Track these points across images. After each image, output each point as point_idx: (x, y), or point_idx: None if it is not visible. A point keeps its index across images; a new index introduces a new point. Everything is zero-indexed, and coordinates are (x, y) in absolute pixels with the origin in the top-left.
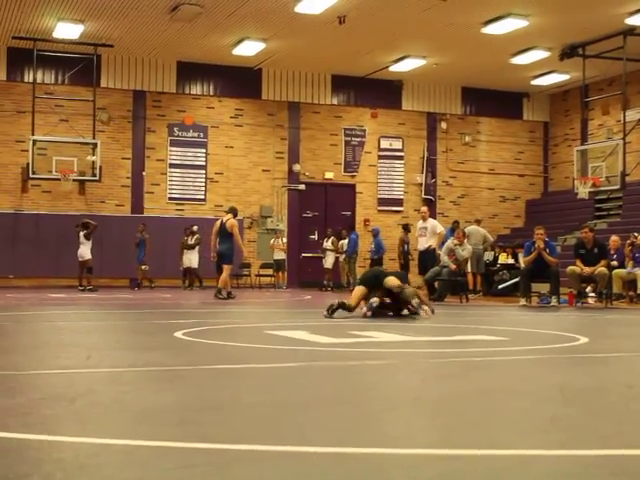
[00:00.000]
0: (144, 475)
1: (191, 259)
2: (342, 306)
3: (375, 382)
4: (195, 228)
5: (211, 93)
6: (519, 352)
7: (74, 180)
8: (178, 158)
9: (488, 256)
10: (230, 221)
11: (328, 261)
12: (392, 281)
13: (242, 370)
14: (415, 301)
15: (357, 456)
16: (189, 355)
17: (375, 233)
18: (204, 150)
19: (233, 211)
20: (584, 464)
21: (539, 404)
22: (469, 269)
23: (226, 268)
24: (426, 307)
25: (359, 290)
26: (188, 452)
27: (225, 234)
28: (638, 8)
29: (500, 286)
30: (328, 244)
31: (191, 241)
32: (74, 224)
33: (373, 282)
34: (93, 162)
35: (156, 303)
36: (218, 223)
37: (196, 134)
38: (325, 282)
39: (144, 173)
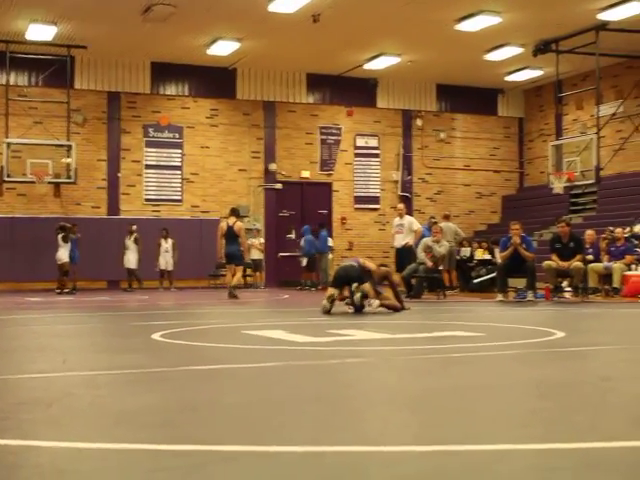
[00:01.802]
0: (123, 478)
1: (130, 259)
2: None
3: (353, 380)
4: (134, 227)
5: (186, 93)
6: (496, 347)
7: (49, 183)
8: (154, 159)
9: (465, 252)
10: (237, 224)
11: (305, 260)
12: (366, 288)
13: (220, 371)
14: (357, 297)
15: (335, 454)
16: (167, 357)
17: (304, 232)
18: (180, 151)
19: (237, 213)
20: (561, 457)
21: (516, 399)
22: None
23: (238, 269)
24: (373, 301)
25: (330, 291)
26: (167, 454)
27: (233, 236)
28: (610, 3)
29: (476, 281)
30: (303, 242)
31: (129, 240)
32: (50, 227)
33: (342, 281)
34: (68, 164)
35: (133, 305)
36: (224, 225)
37: (171, 135)
38: (302, 281)
39: (119, 175)
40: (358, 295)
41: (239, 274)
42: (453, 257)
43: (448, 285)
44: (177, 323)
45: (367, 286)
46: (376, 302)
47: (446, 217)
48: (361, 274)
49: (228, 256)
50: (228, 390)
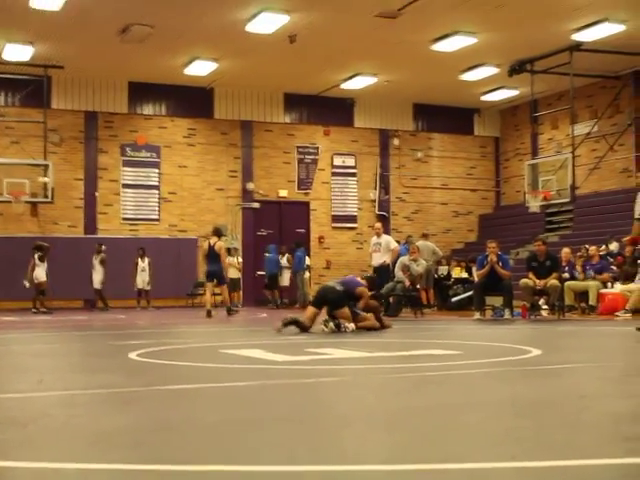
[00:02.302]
0: None
1: (95, 279)
2: (295, 322)
3: (329, 399)
4: (103, 247)
5: (163, 113)
6: (472, 366)
7: (26, 202)
8: (131, 178)
9: (442, 270)
10: (218, 244)
11: (286, 278)
12: (339, 314)
13: (196, 390)
14: (328, 327)
15: (311, 474)
16: (143, 376)
17: (269, 250)
18: (157, 170)
19: (219, 233)
20: (537, 476)
21: (492, 417)
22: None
23: (223, 289)
24: (348, 325)
25: (310, 311)
26: (142, 474)
27: (214, 255)
28: (584, 24)
29: (454, 299)
30: (283, 261)
31: (96, 260)
32: (27, 247)
33: (321, 302)
34: (45, 184)
35: (110, 324)
36: (206, 245)
37: (149, 154)
38: (273, 299)
39: (97, 194)
40: (330, 325)
41: (225, 293)
42: (431, 275)
43: (426, 303)
44: (154, 342)
45: (344, 311)
46: (351, 326)
47: (424, 236)
48: (340, 298)
49: (210, 275)
50: (204, 409)
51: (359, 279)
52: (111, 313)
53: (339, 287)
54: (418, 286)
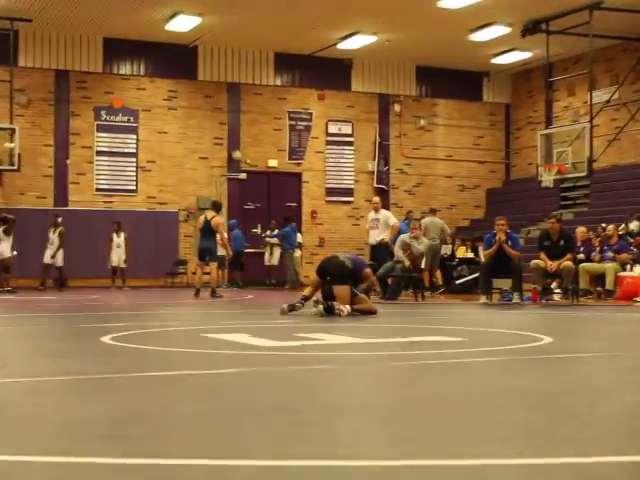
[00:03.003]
0: None
1: (47, 254)
2: (303, 301)
3: (320, 388)
4: (59, 220)
5: (142, 73)
6: (477, 354)
7: None
8: (106, 145)
9: (446, 250)
10: (215, 219)
11: (276, 256)
12: (338, 292)
13: (175, 377)
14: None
15: (299, 469)
16: (117, 362)
17: (232, 227)
18: (134, 136)
19: (217, 207)
20: (545, 473)
21: (498, 409)
22: (423, 265)
23: (213, 265)
24: (342, 307)
25: (314, 280)
26: (115, 468)
27: (209, 231)
28: None
29: (458, 282)
30: (273, 238)
31: (53, 235)
32: None
33: (325, 273)
34: (11, 150)
35: (82, 305)
36: (202, 219)
37: (125, 118)
38: (267, 281)
39: (68, 162)
40: (319, 308)
41: (214, 272)
42: (438, 255)
43: (432, 285)
44: (130, 325)
45: (344, 291)
46: (346, 309)
47: (432, 211)
48: (346, 275)
49: (201, 251)
50: (183, 398)
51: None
52: (83, 293)
53: (349, 263)
54: (423, 267)
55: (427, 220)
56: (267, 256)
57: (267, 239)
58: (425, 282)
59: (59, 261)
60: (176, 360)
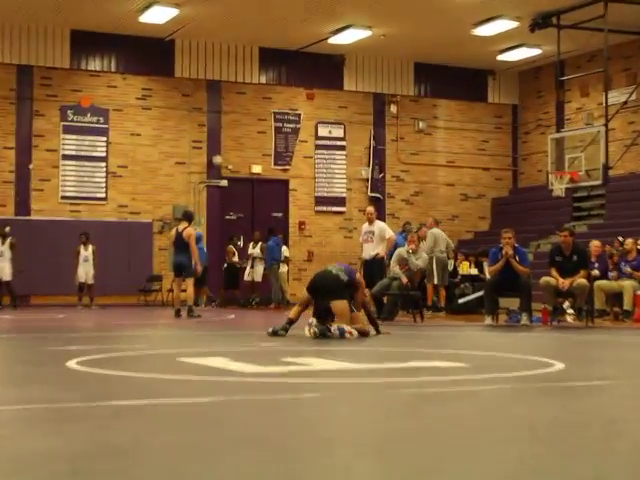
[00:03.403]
0: None
1: (3, 268)
2: (290, 324)
3: (308, 420)
4: (7, 229)
5: (113, 69)
6: (481, 381)
7: None
8: (73, 148)
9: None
10: (187, 230)
11: (259, 272)
12: (338, 308)
13: (148, 407)
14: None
15: None
16: (83, 389)
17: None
18: (104, 138)
19: (188, 217)
20: None
21: (503, 444)
22: (435, 281)
23: (189, 281)
24: (349, 329)
25: (304, 296)
26: None
27: (182, 244)
28: None
29: (461, 301)
30: (256, 250)
31: (3, 246)
32: None
33: (317, 290)
34: None
35: (46, 325)
36: (173, 232)
37: (95, 119)
38: (251, 299)
39: (31, 166)
40: (314, 328)
41: (190, 288)
42: (446, 271)
43: (432, 305)
44: (98, 348)
45: (343, 308)
46: (355, 332)
47: (436, 222)
48: (341, 288)
49: (176, 267)
50: (155, 430)
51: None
52: (47, 311)
53: (343, 275)
54: (436, 282)
55: (436, 231)
56: (248, 271)
57: (249, 252)
58: (429, 300)
59: (7, 275)
60: (148, 387)
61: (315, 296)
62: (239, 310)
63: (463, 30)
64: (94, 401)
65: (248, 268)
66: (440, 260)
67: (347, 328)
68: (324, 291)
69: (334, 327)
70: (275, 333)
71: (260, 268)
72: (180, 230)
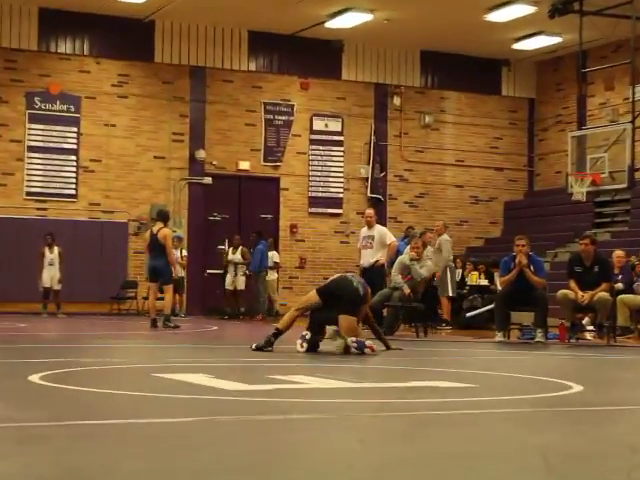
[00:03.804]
0: None
1: None
2: (276, 335)
3: (297, 444)
4: None
5: (86, 52)
6: (490, 404)
7: None
8: (40, 139)
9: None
10: (163, 231)
11: (241, 279)
12: (346, 324)
13: (118, 427)
14: (351, 340)
15: None
16: (47, 407)
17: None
18: (75, 129)
19: (163, 217)
20: None
21: (513, 475)
22: (450, 292)
23: (166, 289)
24: (370, 343)
25: (311, 297)
26: None
27: (158, 247)
28: None
29: (469, 314)
30: (237, 256)
31: None
32: None
33: (332, 296)
34: None
35: (6, 335)
36: (148, 234)
37: (64, 107)
38: (228, 309)
39: None
40: (339, 343)
41: (169, 295)
42: (454, 280)
43: (439, 319)
44: (65, 362)
45: (352, 322)
46: (375, 347)
47: (446, 227)
48: (356, 302)
49: (152, 272)
50: (127, 454)
51: None
52: (8, 320)
53: (362, 291)
54: (451, 294)
55: (445, 238)
56: (229, 279)
57: (228, 258)
58: (446, 314)
59: None
60: (119, 406)
61: (327, 302)
62: (222, 321)
63: (475, 15)
64: (58, 420)
65: (229, 276)
66: (452, 270)
67: (368, 342)
68: (339, 300)
69: (350, 340)
70: (259, 349)
71: (242, 276)
72: (155, 232)
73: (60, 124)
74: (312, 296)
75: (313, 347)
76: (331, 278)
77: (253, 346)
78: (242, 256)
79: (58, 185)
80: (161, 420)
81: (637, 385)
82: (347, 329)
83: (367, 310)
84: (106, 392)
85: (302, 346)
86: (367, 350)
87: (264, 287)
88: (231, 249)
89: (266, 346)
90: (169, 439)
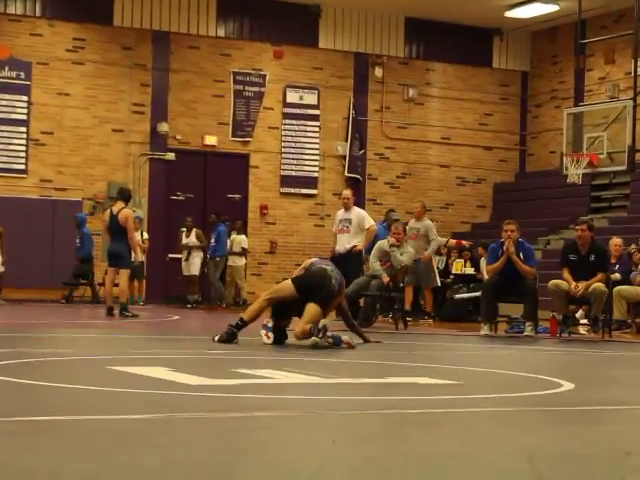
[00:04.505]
0: None
1: None
2: (239, 327)
3: (263, 444)
4: None
5: (37, 14)
6: (474, 402)
7: None
8: None
9: (438, 263)
10: (123, 212)
11: (195, 264)
12: (311, 312)
13: (69, 424)
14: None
15: None
16: None
17: (81, 223)
18: (26, 98)
19: (125, 196)
20: None
21: (498, 478)
22: (438, 282)
23: (123, 273)
24: (347, 338)
25: (286, 286)
26: None
27: (118, 229)
28: None
29: (457, 296)
30: (192, 239)
31: None
32: None
33: (307, 288)
34: None
35: None
36: (107, 215)
37: (13, 74)
38: (190, 297)
39: None
40: (314, 339)
41: (124, 282)
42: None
43: (425, 311)
44: (10, 352)
45: (315, 310)
46: (353, 343)
47: (426, 209)
48: (330, 297)
49: (112, 256)
50: (77, 453)
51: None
52: None
53: (337, 286)
54: (430, 286)
55: (427, 223)
56: (184, 264)
57: (182, 242)
58: (428, 306)
59: None
60: (70, 401)
61: (301, 295)
62: (184, 310)
63: None
64: (3, 416)
65: (183, 261)
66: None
67: (345, 338)
68: (311, 294)
69: (327, 333)
70: (222, 341)
71: (197, 260)
72: (115, 212)
73: (8, 92)
74: (286, 286)
75: (281, 336)
76: (307, 265)
77: (215, 338)
78: (197, 239)
79: (5, 159)
80: (116, 417)
81: (633, 383)
82: (310, 317)
83: (342, 302)
84: (57, 386)
85: (268, 337)
86: (344, 345)
87: (216, 273)
88: (184, 232)
89: (229, 339)
90: (123, 437)
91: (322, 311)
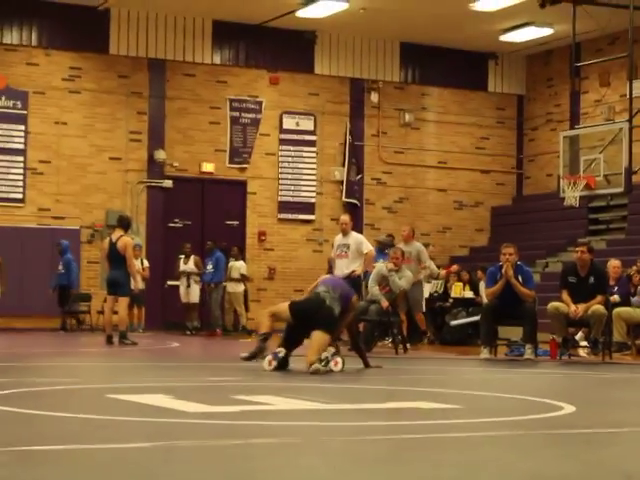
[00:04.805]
0: None
1: None
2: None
3: (262, 471)
4: None
5: (33, 43)
6: (475, 426)
7: None
8: None
9: (436, 287)
10: (123, 239)
11: (194, 291)
12: (317, 340)
13: (69, 453)
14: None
15: None
16: None
17: (64, 249)
18: (23, 127)
19: (124, 224)
20: None
21: None
22: (423, 308)
23: (122, 300)
24: (337, 359)
25: (282, 308)
26: None
27: (117, 257)
28: None
29: (453, 322)
30: (190, 265)
31: None
32: None
33: (305, 316)
34: None
35: None
36: (106, 243)
37: (10, 103)
38: (189, 324)
39: None
40: (318, 366)
41: (123, 309)
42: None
43: (421, 331)
44: (9, 382)
45: (321, 339)
46: (340, 363)
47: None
48: (332, 322)
49: (111, 284)
50: None
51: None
52: None
53: (337, 308)
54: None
55: (422, 246)
56: (183, 291)
57: (180, 269)
58: (422, 325)
59: None
60: (71, 429)
61: (299, 321)
62: (183, 337)
63: (460, 4)
64: (4, 446)
65: (183, 288)
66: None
67: (335, 358)
68: (312, 320)
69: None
70: (252, 357)
71: (196, 287)
72: (114, 240)
73: (5, 122)
74: (284, 309)
75: (282, 362)
76: (312, 288)
77: (243, 355)
78: (195, 265)
79: (3, 189)
80: (116, 445)
81: (633, 406)
82: (318, 346)
83: (350, 322)
84: (56, 415)
85: (270, 364)
86: (331, 364)
87: (216, 303)
88: (182, 258)
89: (259, 353)
90: (124, 466)
91: (329, 336)
